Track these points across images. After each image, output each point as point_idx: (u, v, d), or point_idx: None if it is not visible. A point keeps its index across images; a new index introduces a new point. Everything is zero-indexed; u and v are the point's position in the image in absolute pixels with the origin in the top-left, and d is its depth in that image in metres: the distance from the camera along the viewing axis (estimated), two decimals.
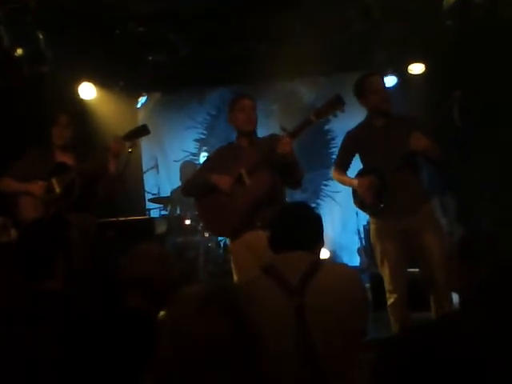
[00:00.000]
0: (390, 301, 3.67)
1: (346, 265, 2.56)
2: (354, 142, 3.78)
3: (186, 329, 1.19)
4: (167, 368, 1.19)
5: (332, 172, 3.97)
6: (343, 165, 3.87)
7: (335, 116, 3.32)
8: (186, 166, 6.69)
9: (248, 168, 3.36)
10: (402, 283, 3.64)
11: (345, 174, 3.86)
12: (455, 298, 3.46)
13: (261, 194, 3.30)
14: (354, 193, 3.77)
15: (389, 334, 3.74)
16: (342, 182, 3.90)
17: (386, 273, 3.68)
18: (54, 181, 3.76)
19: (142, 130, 3.77)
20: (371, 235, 3.78)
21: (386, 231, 3.63)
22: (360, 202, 3.73)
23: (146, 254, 2.09)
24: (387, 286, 3.69)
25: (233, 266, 3.50)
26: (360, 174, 3.76)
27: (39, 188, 3.75)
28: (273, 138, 3.50)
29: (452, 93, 3.43)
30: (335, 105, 3.29)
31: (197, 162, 6.84)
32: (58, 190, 3.76)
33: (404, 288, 3.64)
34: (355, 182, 3.71)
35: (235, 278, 3.47)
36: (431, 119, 3.50)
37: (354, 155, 3.84)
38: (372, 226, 3.75)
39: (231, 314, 1.20)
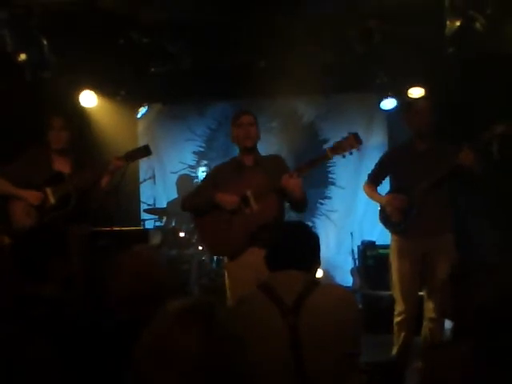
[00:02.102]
0: (398, 319, 3.72)
1: (341, 286, 2.56)
2: (393, 161, 3.87)
3: (161, 343, 1.18)
4: (143, 381, 1.18)
5: (364, 185, 4.02)
6: (376, 180, 3.96)
7: (351, 154, 3.35)
8: (183, 180, 6.68)
9: (255, 192, 3.36)
10: (412, 305, 3.70)
11: (376, 189, 3.95)
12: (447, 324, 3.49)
13: (267, 220, 3.30)
14: (381, 209, 3.82)
15: (380, 357, 3.75)
16: (372, 198, 3.97)
17: (397, 293, 3.72)
18: (48, 190, 3.75)
19: (144, 151, 3.84)
20: (390, 252, 3.83)
21: (406, 250, 3.69)
22: (385, 218, 3.80)
23: (132, 264, 2.05)
24: (397, 306, 3.74)
25: (227, 283, 3.48)
26: (391, 192, 3.84)
27: (34, 197, 3.73)
28: (277, 161, 3.52)
29: (492, 126, 3.49)
30: (352, 143, 3.33)
31: (194, 175, 6.83)
32: (52, 200, 3.74)
33: (413, 310, 3.70)
34: (384, 199, 3.77)
35: (229, 295, 3.44)
36: (470, 145, 3.54)
37: (389, 173, 3.92)
38: (393, 244, 3.80)
39: (209, 330, 1.18)
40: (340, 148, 3.33)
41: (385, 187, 4.05)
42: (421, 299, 3.76)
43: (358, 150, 3.35)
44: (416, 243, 3.64)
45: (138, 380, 1.19)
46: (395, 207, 3.69)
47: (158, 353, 1.17)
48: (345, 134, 3.36)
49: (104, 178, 3.74)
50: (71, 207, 3.72)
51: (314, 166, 3.41)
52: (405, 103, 3.87)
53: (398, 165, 3.81)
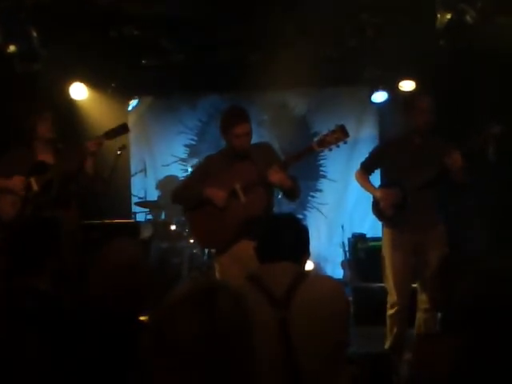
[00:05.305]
0: (390, 312, 3.74)
1: (330, 277, 2.56)
2: (389, 153, 3.85)
3: (166, 328, 1.17)
4: (150, 368, 1.17)
5: (356, 173, 3.99)
6: (369, 169, 3.95)
7: (338, 147, 3.33)
8: (166, 182, 6.61)
9: (243, 184, 3.35)
10: (405, 297, 3.72)
11: (368, 178, 3.94)
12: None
13: (256, 212, 3.30)
14: (374, 202, 3.83)
15: (371, 348, 3.77)
16: (364, 187, 3.96)
17: (390, 285, 3.75)
18: (32, 180, 3.76)
19: (122, 129, 3.87)
20: (383, 245, 3.86)
21: (399, 244, 3.71)
22: (379, 211, 3.80)
23: (115, 258, 2.04)
24: (390, 298, 3.76)
25: (217, 276, 3.50)
26: (384, 186, 3.82)
27: (18, 183, 3.73)
28: (266, 149, 3.50)
29: (489, 127, 3.47)
30: (339, 136, 3.31)
31: (184, 168, 6.79)
32: (35, 187, 3.75)
33: (406, 301, 3.72)
34: (379, 192, 3.78)
35: None
36: (462, 147, 3.52)
37: (383, 165, 3.91)
38: (385, 237, 3.82)
39: (211, 315, 1.17)
40: (326, 141, 3.32)
41: (375, 177, 4.05)
42: (414, 291, 3.78)
43: (345, 142, 3.33)
44: (408, 237, 3.67)
45: (142, 367, 1.18)
46: (389, 201, 3.69)
47: (160, 339, 1.16)
48: (332, 127, 3.34)
49: (87, 162, 3.74)
50: (53, 194, 3.72)
51: (299, 160, 3.40)
52: (407, 99, 3.82)
53: (394, 158, 3.80)
